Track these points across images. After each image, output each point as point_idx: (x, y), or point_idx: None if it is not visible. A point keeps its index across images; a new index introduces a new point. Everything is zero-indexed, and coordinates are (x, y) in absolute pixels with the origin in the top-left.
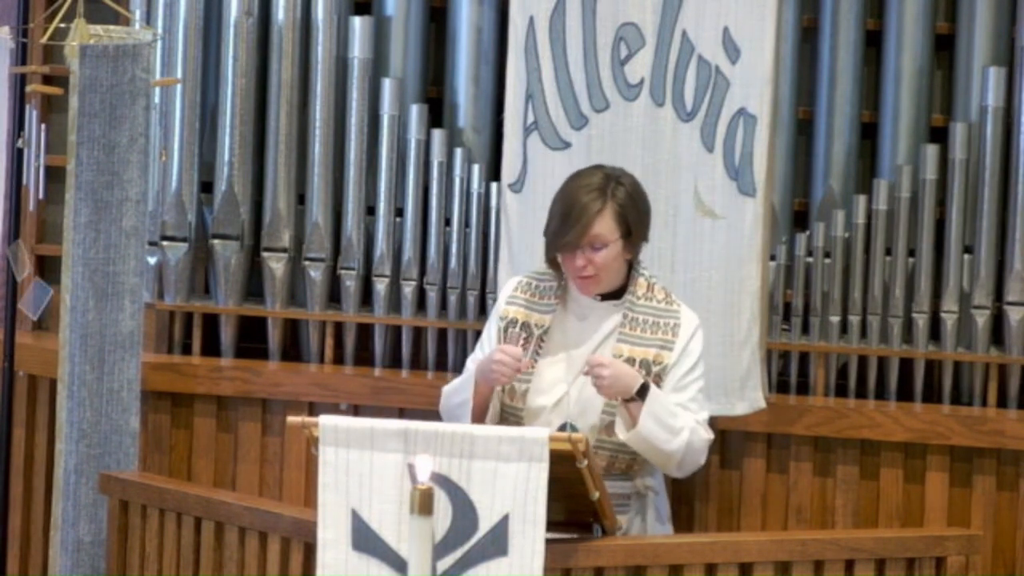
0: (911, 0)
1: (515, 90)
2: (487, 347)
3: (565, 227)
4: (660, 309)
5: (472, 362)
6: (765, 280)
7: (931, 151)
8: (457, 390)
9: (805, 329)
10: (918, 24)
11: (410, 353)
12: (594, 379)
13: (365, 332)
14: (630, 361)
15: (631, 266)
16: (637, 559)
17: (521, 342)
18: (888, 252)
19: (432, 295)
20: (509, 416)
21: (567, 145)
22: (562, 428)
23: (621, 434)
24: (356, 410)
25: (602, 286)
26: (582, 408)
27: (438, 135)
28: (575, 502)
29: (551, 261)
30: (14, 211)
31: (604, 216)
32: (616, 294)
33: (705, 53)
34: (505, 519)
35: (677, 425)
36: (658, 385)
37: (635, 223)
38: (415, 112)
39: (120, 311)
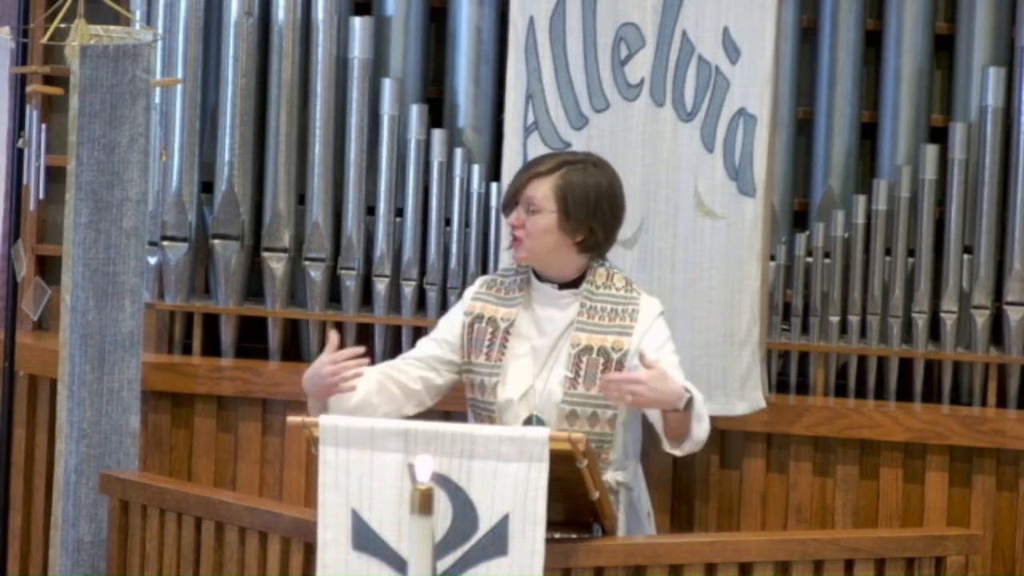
0: (911, 0)
1: (515, 90)
2: (444, 332)
3: (516, 177)
4: (619, 297)
5: (424, 340)
6: (765, 280)
7: (931, 151)
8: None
9: (805, 329)
10: (918, 24)
11: None
12: (624, 396)
13: (365, 332)
14: (588, 349)
15: (588, 256)
16: (637, 559)
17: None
18: (888, 252)
19: (432, 295)
20: (481, 411)
21: (567, 145)
22: (528, 421)
23: (671, 449)
24: None
25: (528, 255)
26: (546, 398)
27: (438, 135)
28: (575, 502)
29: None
30: (14, 211)
31: (543, 182)
32: (575, 283)
33: (705, 53)
34: (505, 519)
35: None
36: (621, 370)
37: (575, 206)
38: (415, 112)
39: (120, 311)
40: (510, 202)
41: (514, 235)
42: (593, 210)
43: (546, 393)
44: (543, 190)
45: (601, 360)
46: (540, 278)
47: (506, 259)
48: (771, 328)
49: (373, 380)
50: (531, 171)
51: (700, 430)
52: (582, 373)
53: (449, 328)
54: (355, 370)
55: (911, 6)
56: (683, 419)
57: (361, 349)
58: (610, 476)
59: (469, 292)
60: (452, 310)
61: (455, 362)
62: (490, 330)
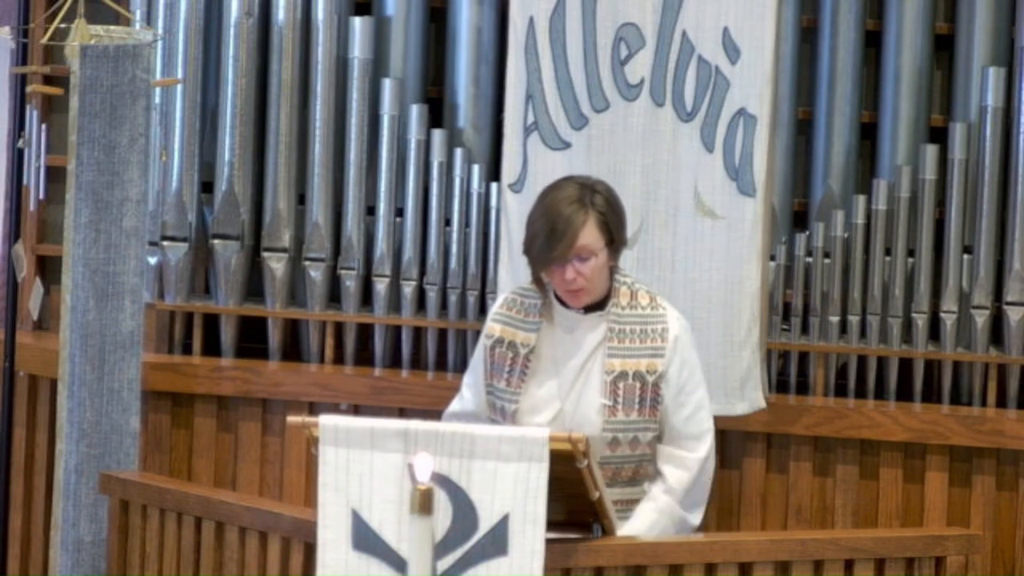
0: (911, 0)
1: (515, 90)
2: (478, 368)
3: (552, 242)
4: (646, 316)
5: (466, 388)
6: (765, 280)
7: (930, 151)
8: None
9: (805, 329)
10: (918, 24)
11: (410, 353)
12: None
13: (365, 332)
14: (623, 376)
15: (612, 278)
16: (637, 559)
17: (505, 375)
18: (887, 252)
19: (432, 295)
20: None
21: (567, 145)
22: None
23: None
24: (356, 410)
25: (592, 295)
26: (579, 423)
27: (438, 135)
28: (575, 502)
29: (536, 279)
30: (14, 211)
31: (588, 226)
32: (600, 305)
33: (705, 53)
34: (505, 519)
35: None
36: (657, 397)
37: (616, 229)
38: (415, 112)
39: (120, 311)
40: (562, 261)
41: (574, 288)
42: (623, 225)
43: (579, 417)
44: (592, 233)
45: (638, 384)
46: (563, 303)
47: (505, 261)
48: (771, 328)
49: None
50: (571, 227)
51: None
52: (620, 400)
53: (481, 363)
54: None
55: (911, 6)
56: None
57: None
58: (647, 486)
59: (490, 313)
60: (480, 341)
61: None
62: (510, 355)
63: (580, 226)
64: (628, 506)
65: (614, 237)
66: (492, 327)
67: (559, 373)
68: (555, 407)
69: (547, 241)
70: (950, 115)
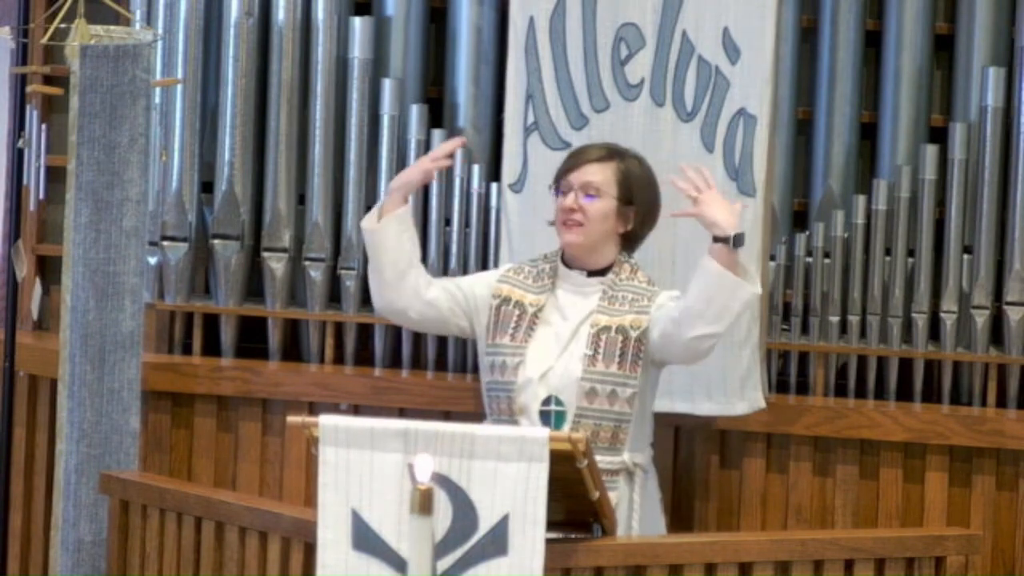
0: (911, 0)
1: (515, 90)
2: (468, 279)
3: (568, 161)
4: (640, 289)
5: (448, 280)
6: (765, 280)
7: (930, 151)
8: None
9: (805, 329)
10: (918, 24)
11: (410, 353)
12: (693, 189)
13: (365, 332)
14: (606, 328)
15: (621, 248)
16: (637, 559)
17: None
18: (887, 252)
19: None
20: (499, 393)
21: (567, 145)
22: (547, 401)
23: (706, 327)
24: (356, 410)
25: (584, 240)
26: (564, 377)
27: (438, 135)
28: (575, 502)
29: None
30: (14, 211)
31: (605, 167)
32: (603, 272)
33: (705, 53)
34: (505, 519)
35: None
36: (639, 353)
37: (638, 194)
38: (415, 112)
39: (120, 311)
40: (563, 184)
41: (570, 218)
42: (647, 201)
43: (566, 373)
44: (605, 175)
45: (620, 338)
46: (568, 265)
47: (505, 261)
48: (771, 328)
49: (413, 233)
50: (586, 155)
51: (749, 280)
52: (601, 350)
53: (471, 283)
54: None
55: (911, 6)
56: (731, 262)
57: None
58: (627, 457)
59: (494, 274)
60: (478, 278)
61: (457, 312)
62: (517, 313)
63: (596, 160)
64: (611, 476)
65: (631, 198)
66: (499, 287)
67: (556, 333)
68: (547, 363)
69: (564, 164)
70: (950, 115)
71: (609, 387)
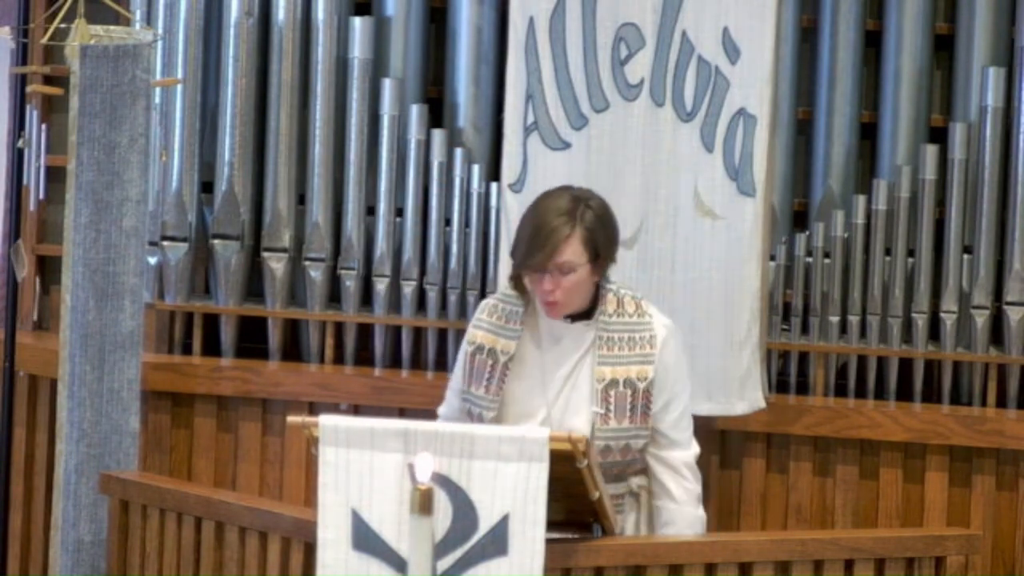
0: (911, 0)
1: (515, 90)
2: (458, 374)
3: (533, 250)
4: (633, 323)
5: (450, 392)
6: (765, 280)
7: (930, 151)
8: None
9: (805, 329)
10: (918, 24)
11: (410, 353)
12: None
13: (365, 332)
14: (614, 383)
15: (599, 285)
16: (637, 559)
17: (484, 382)
18: (887, 252)
19: (432, 295)
20: None
21: (567, 145)
22: None
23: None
24: (356, 410)
25: (568, 309)
26: (567, 428)
27: (438, 135)
28: (575, 502)
29: (516, 281)
30: (14, 211)
31: (572, 241)
32: (587, 314)
33: (705, 53)
34: (505, 519)
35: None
36: (648, 403)
37: (603, 246)
38: (415, 112)
39: (120, 311)
40: (541, 270)
41: (551, 299)
42: (610, 240)
43: (566, 426)
44: (574, 247)
45: (629, 392)
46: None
47: (505, 261)
48: (771, 328)
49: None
50: (554, 237)
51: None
52: (612, 407)
53: (461, 369)
54: None
55: (911, 6)
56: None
57: None
58: (634, 482)
59: (472, 319)
60: (462, 345)
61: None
62: (490, 362)
63: (562, 240)
64: (616, 500)
65: (600, 254)
66: (474, 333)
67: (545, 381)
68: (541, 414)
69: (528, 248)
70: (950, 115)
71: (623, 442)
